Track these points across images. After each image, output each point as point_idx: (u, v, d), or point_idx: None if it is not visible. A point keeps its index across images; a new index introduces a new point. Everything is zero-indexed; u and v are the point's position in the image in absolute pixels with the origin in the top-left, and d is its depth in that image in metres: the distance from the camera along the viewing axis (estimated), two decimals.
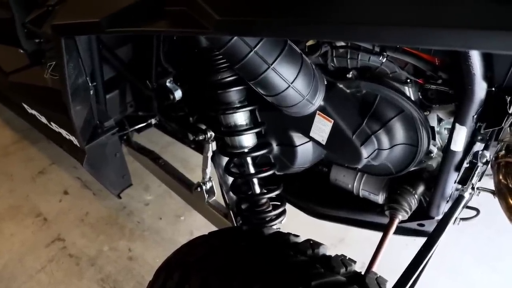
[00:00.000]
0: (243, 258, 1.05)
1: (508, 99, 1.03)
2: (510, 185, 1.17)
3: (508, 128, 1.19)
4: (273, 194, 1.50)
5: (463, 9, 0.65)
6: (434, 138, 1.34)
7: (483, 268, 2.18)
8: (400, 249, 1.62)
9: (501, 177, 1.21)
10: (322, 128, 1.35)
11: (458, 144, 1.17)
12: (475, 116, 1.09)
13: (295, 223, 1.76)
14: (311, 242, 1.09)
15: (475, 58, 0.96)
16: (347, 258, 1.05)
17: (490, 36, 0.64)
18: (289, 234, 1.17)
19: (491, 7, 0.64)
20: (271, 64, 1.12)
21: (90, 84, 1.59)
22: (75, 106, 1.51)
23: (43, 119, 2.04)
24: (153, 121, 2.21)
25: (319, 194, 1.66)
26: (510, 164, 1.20)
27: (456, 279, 2.13)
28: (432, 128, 1.31)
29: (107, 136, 1.75)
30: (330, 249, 2.17)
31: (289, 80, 1.16)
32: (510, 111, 1.03)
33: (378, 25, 0.72)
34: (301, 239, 1.10)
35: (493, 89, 1.04)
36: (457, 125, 1.13)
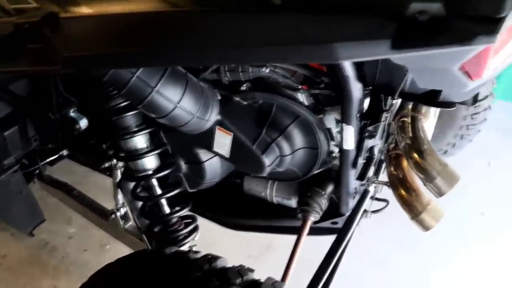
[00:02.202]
0: (142, 282, 1.04)
1: (383, 97, 1.09)
2: (400, 176, 1.24)
3: (393, 122, 1.26)
4: (182, 213, 1.49)
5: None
6: (333, 139, 1.38)
7: (405, 252, 2.28)
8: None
9: (392, 168, 1.28)
10: (223, 142, 1.36)
11: (349, 143, 1.21)
12: (358, 115, 1.14)
13: (221, 237, 1.75)
14: (209, 256, 1.09)
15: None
16: (245, 267, 1.06)
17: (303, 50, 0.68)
18: (189, 251, 1.18)
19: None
20: (155, 87, 1.12)
21: None
22: None
23: None
24: (65, 152, 2.13)
25: (235, 205, 1.67)
26: (400, 156, 1.27)
27: (381, 268, 2.21)
28: (329, 129, 1.35)
29: (8, 174, 1.67)
30: (258, 258, 2.17)
31: (175, 101, 1.17)
32: (385, 108, 1.09)
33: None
34: (201, 254, 1.11)
35: (370, 88, 1.10)
36: (344, 125, 1.17)
